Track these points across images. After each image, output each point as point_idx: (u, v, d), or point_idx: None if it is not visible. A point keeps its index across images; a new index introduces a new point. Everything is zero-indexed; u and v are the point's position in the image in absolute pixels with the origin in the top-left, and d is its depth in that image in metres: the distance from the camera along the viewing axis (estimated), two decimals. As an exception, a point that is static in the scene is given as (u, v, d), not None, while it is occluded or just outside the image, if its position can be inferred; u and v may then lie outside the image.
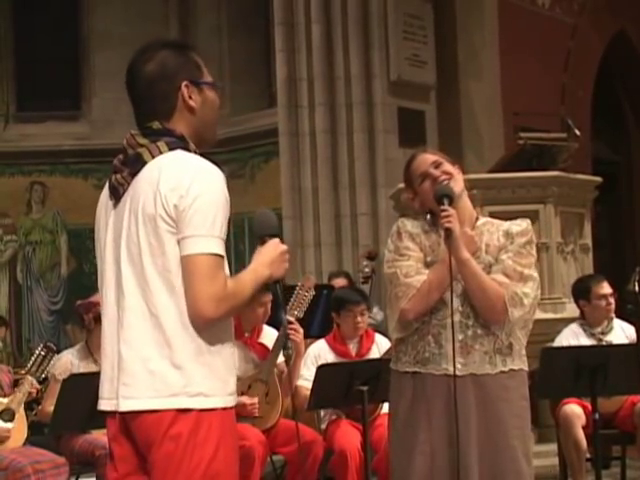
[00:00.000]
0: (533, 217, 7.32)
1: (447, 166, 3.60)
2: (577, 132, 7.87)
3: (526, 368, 3.59)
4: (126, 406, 2.65)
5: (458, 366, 3.45)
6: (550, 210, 7.30)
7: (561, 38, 11.13)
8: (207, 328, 2.62)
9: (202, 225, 2.57)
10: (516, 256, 3.53)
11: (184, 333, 2.61)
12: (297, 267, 9.27)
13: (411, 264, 3.53)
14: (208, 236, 2.58)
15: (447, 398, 3.45)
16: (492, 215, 7.11)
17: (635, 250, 12.59)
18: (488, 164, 8.77)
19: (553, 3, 11.16)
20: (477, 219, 3.66)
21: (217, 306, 2.58)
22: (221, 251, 2.60)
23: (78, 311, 5.93)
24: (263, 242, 2.76)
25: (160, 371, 2.60)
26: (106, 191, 2.78)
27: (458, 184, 3.58)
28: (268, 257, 2.70)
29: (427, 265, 3.55)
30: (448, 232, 3.44)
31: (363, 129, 9.26)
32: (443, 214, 3.46)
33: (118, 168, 2.71)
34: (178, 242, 2.59)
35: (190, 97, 2.72)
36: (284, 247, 2.75)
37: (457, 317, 3.48)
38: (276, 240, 2.75)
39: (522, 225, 3.62)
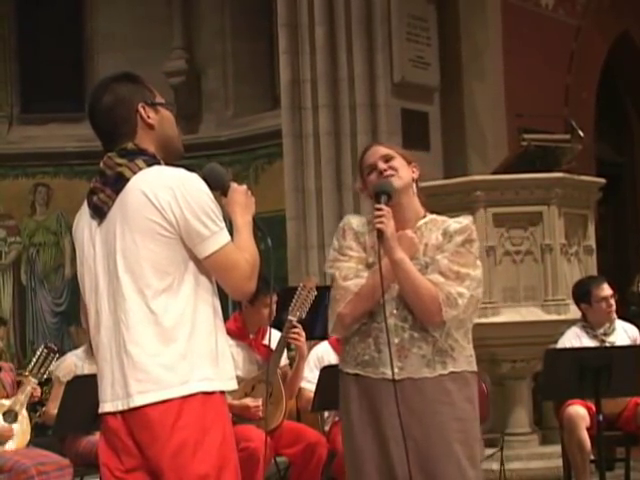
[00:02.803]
0: (537, 218, 7.34)
1: (397, 162, 3.52)
2: (581, 133, 7.86)
3: (471, 369, 3.49)
4: (143, 400, 2.81)
5: (395, 370, 3.37)
6: (554, 211, 7.30)
7: (564, 39, 11.12)
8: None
9: (208, 227, 2.84)
10: (453, 255, 3.43)
11: (186, 326, 2.84)
12: (301, 268, 9.27)
13: (351, 266, 3.47)
14: (215, 232, 2.85)
15: (386, 402, 3.38)
16: (496, 216, 7.24)
17: (639, 251, 12.58)
18: (491, 165, 8.76)
19: (556, 4, 11.15)
20: (424, 217, 3.56)
21: (251, 280, 2.91)
22: (228, 236, 2.88)
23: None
24: (224, 193, 3.03)
25: (170, 364, 2.82)
26: (84, 214, 3.01)
27: (403, 180, 3.48)
28: (242, 204, 2.99)
29: (369, 266, 3.47)
30: (379, 233, 3.36)
31: (367, 130, 9.25)
32: (376, 213, 3.39)
33: (98, 189, 2.96)
34: (191, 248, 2.85)
35: (148, 116, 2.97)
36: (244, 187, 3.03)
37: (393, 320, 3.40)
38: (234, 186, 3.03)
39: (462, 223, 3.51)
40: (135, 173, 2.88)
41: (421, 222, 3.53)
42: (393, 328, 3.39)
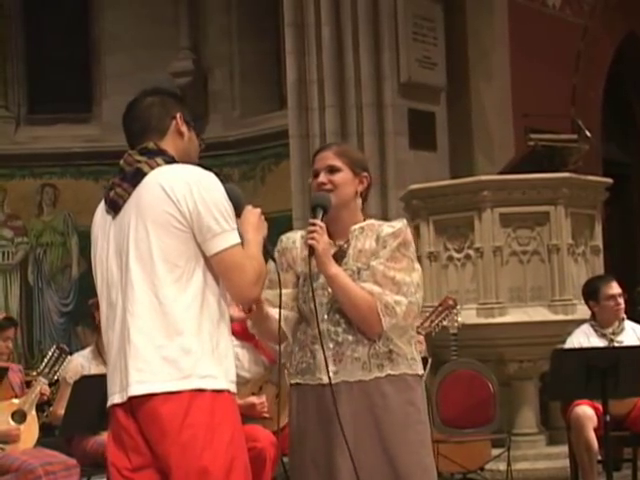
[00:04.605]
0: (544, 218, 7.35)
1: (341, 176, 3.44)
2: (588, 133, 7.87)
3: (412, 372, 3.42)
4: (140, 390, 2.81)
5: (330, 374, 3.33)
6: (561, 211, 7.30)
7: (571, 39, 11.10)
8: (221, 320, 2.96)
9: (220, 224, 2.88)
10: (389, 261, 3.37)
11: (192, 321, 2.86)
12: (307, 269, 9.26)
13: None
14: (227, 231, 2.89)
15: (323, 408, 3.36)
16: (503, 216, 7.24)
17: (646, 251, 12.56)
18: (498, 165, 8.76)
19: (563, 4, 11.13)
20: (363, 221, 3.50)
21: (256, 285, 2.95)
22: (238, 238, 2.93)
23: (90, 310, 5.94)
24: (239, 214, 3.08)
25: (173, 357, 2.83)
26: (101, 210, 3.05)
27: (340, 198, 3.43)
28: (255, 225, 3.06)
29: (298, 277, 3.45)
30: (311, 249, 3.32)
31: (373, 131, 9.25)
32: (309, 228, 3.35)
33: (117, 184, 2.98)
34: (201, 243, 2.88)
35: (181, 126, 3.06)
36: (258, 210, 3.12)
37: (325, 325, 3.37)
38: (249, 207, 3.12)
39: (395, 226, 3.45)
40: (153, 169, 2.93)
41: (355, 227, 3.47)
42: (327, 333, 3.36)
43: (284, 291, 3.38)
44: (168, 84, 3.27)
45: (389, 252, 3.39)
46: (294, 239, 3.52)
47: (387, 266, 3.37)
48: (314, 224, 3.35)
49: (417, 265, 3.45)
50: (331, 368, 3.34)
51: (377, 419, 3.35)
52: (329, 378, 3.32)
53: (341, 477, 3.31)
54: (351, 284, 3.35)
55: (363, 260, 3.42)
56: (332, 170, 3.46)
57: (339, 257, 3.42)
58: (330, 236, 3.42)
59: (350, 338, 3.38)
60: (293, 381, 3.49)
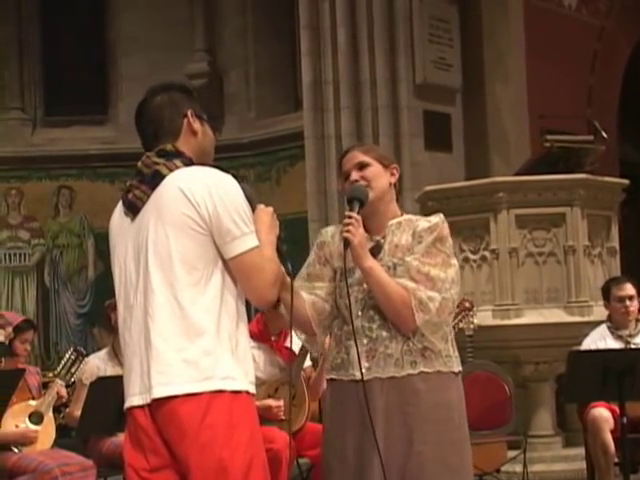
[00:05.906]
0: (560, 220, 7.33)
1: (371, 170, 3.47)
2: (604, 134, 7.84)
3: (447, 369, 3.40)
4: (162, 392, 2.82)
5: (363, 370, 3.33)
6: (577, 213, 7.28)
7: (588, 40, 11.07)
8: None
9: (239, 226, 2.88)
10: (424, 256, 3.37)
11: (211, 323, 2.86)
12: (323, 270, 9.26)
13: (298, 284, 3.40)
14: (246, 234, 2.89)
15: (356, 403, 3.36)
16: (519, 218, 7.22)
17: (663, 253, 12.50)
18: (514, 167, 8.74)
19: (579, 5, 11.11)
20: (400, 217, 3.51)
21: (274, 288, 2.93)
22: (257, 240, 2.92)
23: (106, 311, 5.96)
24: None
25: (193, 359, 2.83)
26: (118, 212, 3.04)
27: (375, 191, 3.44)
28: (267, 224, 3.04)
29: (335, 272, 3.46)
30: (346, 242, 3.34)
31: (389, 133, 9.25)
32: (345, 221, 3.37)
33: (135, 186, 2.98)
34: (220, 246, 2.87)
35: (194, 124, 3.04)
36: (270, 209, 3.10)
37: (359, 322, 3.37)
38: (261, 206, 3.09)
39: (432, 221, 3.45)
40: (172, 171, 2.92)
41: (392, 222, 3.48)
42: (361, 329, 3.36)
43: (319, 284, 3.46)
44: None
45: (424, 247, 3.39)
46: (333, 233, 3.54)
47: (422, 262, 3.37)
48: (350, 217, 3.36)
49: (453, 260, 3.44)
50: (364, 364, 3.35)
51: (407, 416, 3.34)
52: (361, 374, 3.32)
53: (373, 472, 3.32)
54: (386, 278, 3.35)
55: (399, 255, 3.42)
56: (362, 166, 3.48)
57: (375, 252, 3.42)
58: (367, 231, 3.42)
59: (384, 334, 3.37)
60: (328, 376, 3.50)
